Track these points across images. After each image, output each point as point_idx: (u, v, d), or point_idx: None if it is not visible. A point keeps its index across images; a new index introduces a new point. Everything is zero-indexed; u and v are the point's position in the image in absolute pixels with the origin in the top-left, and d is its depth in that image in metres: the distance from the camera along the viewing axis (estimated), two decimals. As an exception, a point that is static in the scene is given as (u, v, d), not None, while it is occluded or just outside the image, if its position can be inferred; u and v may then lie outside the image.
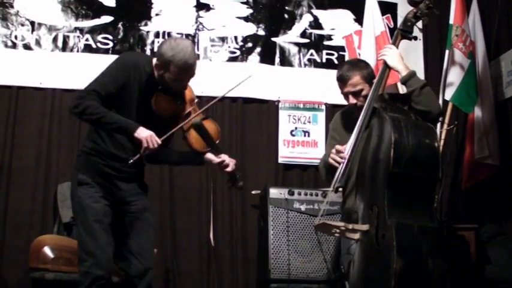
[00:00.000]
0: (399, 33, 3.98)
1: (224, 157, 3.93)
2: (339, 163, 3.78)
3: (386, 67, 3.90)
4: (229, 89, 4.00)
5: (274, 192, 5.26)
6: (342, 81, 4.01)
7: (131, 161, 3.65)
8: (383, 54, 3.96)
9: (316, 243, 5.13)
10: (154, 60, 3.81)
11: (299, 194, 5.28)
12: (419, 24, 3.98)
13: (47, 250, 4.78)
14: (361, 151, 3.75)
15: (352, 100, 3.99)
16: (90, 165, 3.82)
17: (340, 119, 4.25)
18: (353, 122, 3.93)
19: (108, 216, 3.77)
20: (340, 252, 4.10)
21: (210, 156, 3.94)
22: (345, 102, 4.13)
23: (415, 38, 4.09)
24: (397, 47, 3.96)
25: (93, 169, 3.80)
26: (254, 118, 6.08)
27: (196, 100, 3.97)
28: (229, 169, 3.94)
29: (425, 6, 3.92)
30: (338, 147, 3.83)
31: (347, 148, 3.76)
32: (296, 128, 6.06)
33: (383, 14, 5.87)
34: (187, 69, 3.72)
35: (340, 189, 3.78)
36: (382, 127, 3.60)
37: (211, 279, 5.66)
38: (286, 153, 6.01)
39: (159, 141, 3.64)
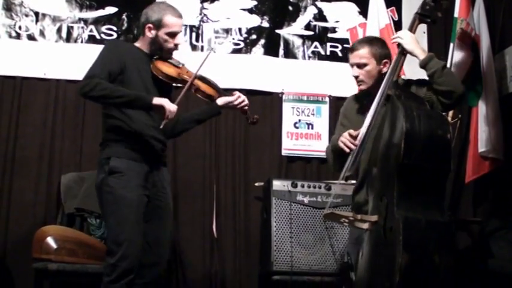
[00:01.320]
0: (417, 17, 3.88)
1: (237, 93, 4.04)
2: (350, 148, 3.69)
3: (402, 54, 3.83)
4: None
5: (277, 184, 5.26)
6: (351, 50, 3.96)
7: (162, 125, 3.71)
8: (398, 38, 3.87)
9: (318, 236, 5.14)
10: (139, 43, 3.96)
11: (302, 186, 5.29)
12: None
13: (50, 241, 4.79)
14: (373, 140, 3.68)
15: (355, 72, 3.92)
16: (119, 151, 3.78)
17: (352, 103, 4.15)
18: (364, 108, 3.89)
19: (142, 205, 3.74)
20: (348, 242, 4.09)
21: (223, 99, 4.00)
22: (348, 95, 4.12)
23: (434, 22, 3.96)
24: (414, 32, 3.87)
25: (123, 155, 3.77)
26: (258, 110, 6.03)
27: (185, 64, 4.04)
28: (246, 102, 4.03)
29: None
30: (352, 131, 3.73)
31: (359, 135, 3.67)
32: (300, 121, 6.06)
33: (387, 6, 5.85)
34: (179, 18, 3.93)
35: (353, 181, 3.73)
36: (395, 116, 3.51)
37: (213, 271, 5.67)
38: (289, 146, 6.02)
39: (175, 105, 3.74)
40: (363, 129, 3.68)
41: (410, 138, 3.37)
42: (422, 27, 6.20)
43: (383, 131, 3.60)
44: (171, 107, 3.70)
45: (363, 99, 4.02)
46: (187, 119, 4.15)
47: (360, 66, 3.91)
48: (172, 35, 3.89)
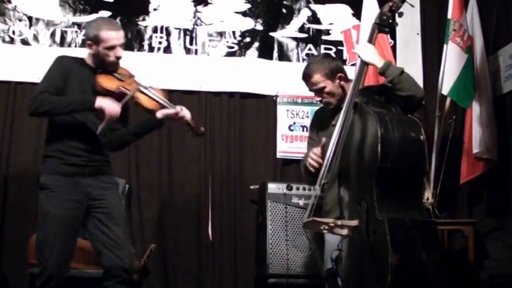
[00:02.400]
0: (376, 27, 3.96)
1: (179, 107, 4.03)
2: (314, 167, 3.83)
3: (364, 63, 3.90)
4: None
5: (272, 187, 5.27)
6: (304, 79, 4.08)
7: (99, 129, 3.79)
8: (356, 51, 4.00)
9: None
10: (86, 57, 4.03)
11: (297, 188, 5.30)
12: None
13: (45, 246, 4.78)
14: (342, 146, 3.73)
15: (318, 97, 4.08)
16: (49, 167, 3.91)
17: (315, 118, 4.31)
18: (325, 121, 4.07)
19: (68, 220, 3.81)
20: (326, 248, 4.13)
21: (164, 111, 3.99)
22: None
23: (387, 32, 4.13)
24: (374, 41, 3.96)
25: (53, 170, 3.88)
26: (252, 113, 6.07)
27: (134, 76, 4.07)
28: (187, 117, 4.03)
29: (399, 0, 3.93)
30: (315, 150, 3.88)
31: (330, 144, 3.74)
32: (294, 123, 6.05)
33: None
34: (115, 31, 3.95)
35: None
36: (365, 122, 3.59)
37: (209, 274, 5.67)
38: (284, 148, 6.01)
39: (119, 106, 3.81)
40: (334, 138, 3.74)
41: (385, 141, 3.43)
42: (417, 29, 6.24)
43: (353, 138, 3.67)
44: (111, 109, 3.79)
45: (324, 111, 4.16)
46: (128, 131, 4.18)
47: (319, 91, 4.04)
48: (111, 48, 3.93)
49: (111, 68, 3.98)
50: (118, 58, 3.97)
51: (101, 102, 3.79)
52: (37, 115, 3.87)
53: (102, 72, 3.96)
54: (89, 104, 3.79)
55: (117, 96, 3.90)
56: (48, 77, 3.91)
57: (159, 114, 4.00)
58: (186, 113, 4.04)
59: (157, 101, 4.01)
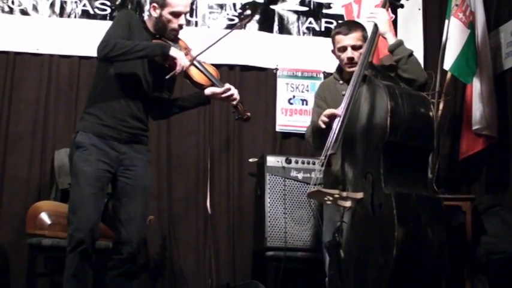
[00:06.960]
0: (387, 0, 3.98)
1: (228, 86, 4.02)
2: (326, 123, 3.86)
3: (376, 33, 3.90)
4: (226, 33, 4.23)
5: (271, 161, 5.27)
6: (345, 34, 4.09)
7: (167, 76, 3.81)
8: (373, 17, 3.93)
9: (312, 212, 5.15)
10: (146, 17, 3.96)
11: (296, 162, 5.29)
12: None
13: (44, 216, 4.80)
14: (348, 119, 3.75)
15: (350, 54, 4.07)
16: (87, 126, 3.86)
17: (327, 86, 4.34)
18: (335, 93, 4.14)
19: (100, 180, 3.79)
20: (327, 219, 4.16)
21: (213, 89, 4.00)
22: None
23: (402, 6, 4.08)
24: None
25: (90, 130, 3.83)
26: (252, 86, 6.06)
27: (191, 50, 4.05)
28: (235, 96, 4.02)
29: None
30: (332, 110, 3.86)
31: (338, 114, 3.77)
32: (294, 97, 6.04)
33: (383, -18, 5.82)
34: None
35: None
36: (374, 95, 3.57)
37: (207, 247, 5.68)
38: (283, 122, 6.00)
39: (188, 62, 3.85)
40: (342, 109, 3.75)
41: (395, 116, 3.41)
42: (418, 4, 6.21)
43: (360, 110, 3.66)
44: (183, 60, 3.81)
45: (333, 84, 4.24)
46: (173, 103, 4.18)
47: (356, 48, 4.06)
48: (176, 14, 3.90)
49: (171, 35, 3.96)
50: (180, 27, 3.95)
51: (176, 52, 3.79)
52: (108, 59, 3.79)
53: (159, 38, 3.94)
54: (166, 50, 3.78)
55: (168, 69, 3.88)
56: (117, 26, 3.87)
57: (208, 91, 4.01)
58: (234, 93, 4.02)
59: (208, 77, 4.01)
